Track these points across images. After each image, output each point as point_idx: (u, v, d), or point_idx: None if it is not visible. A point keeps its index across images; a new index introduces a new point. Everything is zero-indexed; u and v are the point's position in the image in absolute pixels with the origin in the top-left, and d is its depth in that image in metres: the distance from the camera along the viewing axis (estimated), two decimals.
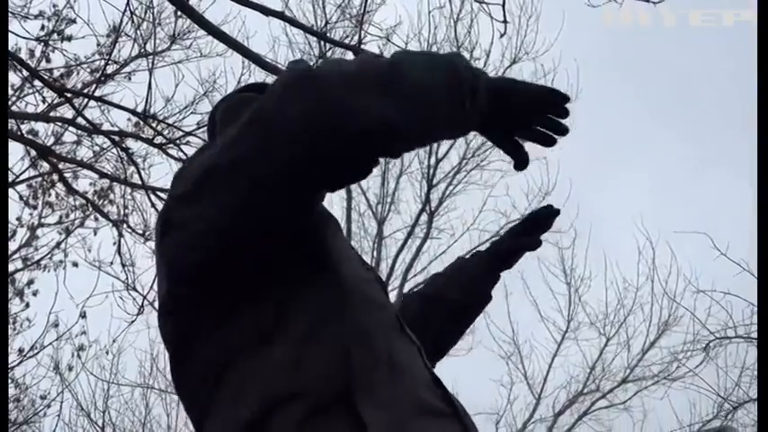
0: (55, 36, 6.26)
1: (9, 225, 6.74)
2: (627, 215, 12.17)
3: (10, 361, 6.32)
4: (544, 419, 10.57)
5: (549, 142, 0.98)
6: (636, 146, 15.05)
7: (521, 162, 0.99)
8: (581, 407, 10.68)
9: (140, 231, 6.03)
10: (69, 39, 6.42)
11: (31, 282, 7.61)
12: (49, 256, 7.27)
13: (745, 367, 5.82)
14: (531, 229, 1.35)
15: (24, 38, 5.07)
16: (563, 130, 0.98)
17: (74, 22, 6.08)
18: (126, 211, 6.25)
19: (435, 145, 9.70)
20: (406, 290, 9.58)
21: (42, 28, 6.22)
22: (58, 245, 7.22)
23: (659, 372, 10.11)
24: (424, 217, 9.85)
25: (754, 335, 5.32)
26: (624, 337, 10.49)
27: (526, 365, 10.75)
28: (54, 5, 6.08)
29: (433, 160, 9.75)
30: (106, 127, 5.20)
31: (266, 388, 0.85)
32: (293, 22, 3.85)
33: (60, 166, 5.52)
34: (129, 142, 5.45)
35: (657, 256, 9.79)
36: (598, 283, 11.43)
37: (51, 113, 5.46)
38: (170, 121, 5.29)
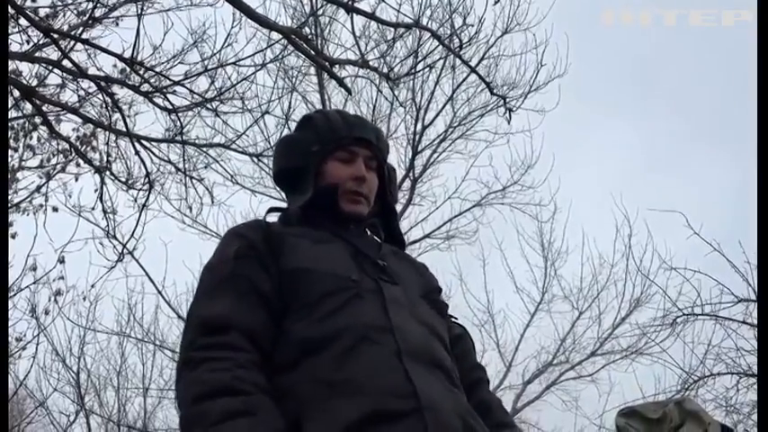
0: None
1: None
2: (606, 192, 12.34)
3: None
4: (513, 387, 10.83)
5: None
6: (621, 123, 15.15)
7: None
8: (550, 377, 10.95)
9: (123, 179, 6.00)
10: None
11: (9, 224, 7.55)
12: (28, 199, 7.20)
13: (710, 344, 6.00)
14: None
15: None
16: None
17: None
18: (109, 158, 6.21)
19: (422, 111, 9.69)
20: None
21: None
22: (38, 189, 7.15)
23: (628, 347, 10.36)
24: (408, 183, 9.88)
25: (721, 313, 5.47)
26: (596, 312, 10.72)
27: (499, 334, 10.98)
28: None
29: (419, 127, 9.74)
30: (92, 72, 5.13)
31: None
32: None
33: (44, 108, 5.44)
34: (115, 89, 5.38)
35: (634, 234, 9.96)
36: (574, 258, 11.64)
37: (36, 54, 5.36)
38: (157, 69, 5.22)
